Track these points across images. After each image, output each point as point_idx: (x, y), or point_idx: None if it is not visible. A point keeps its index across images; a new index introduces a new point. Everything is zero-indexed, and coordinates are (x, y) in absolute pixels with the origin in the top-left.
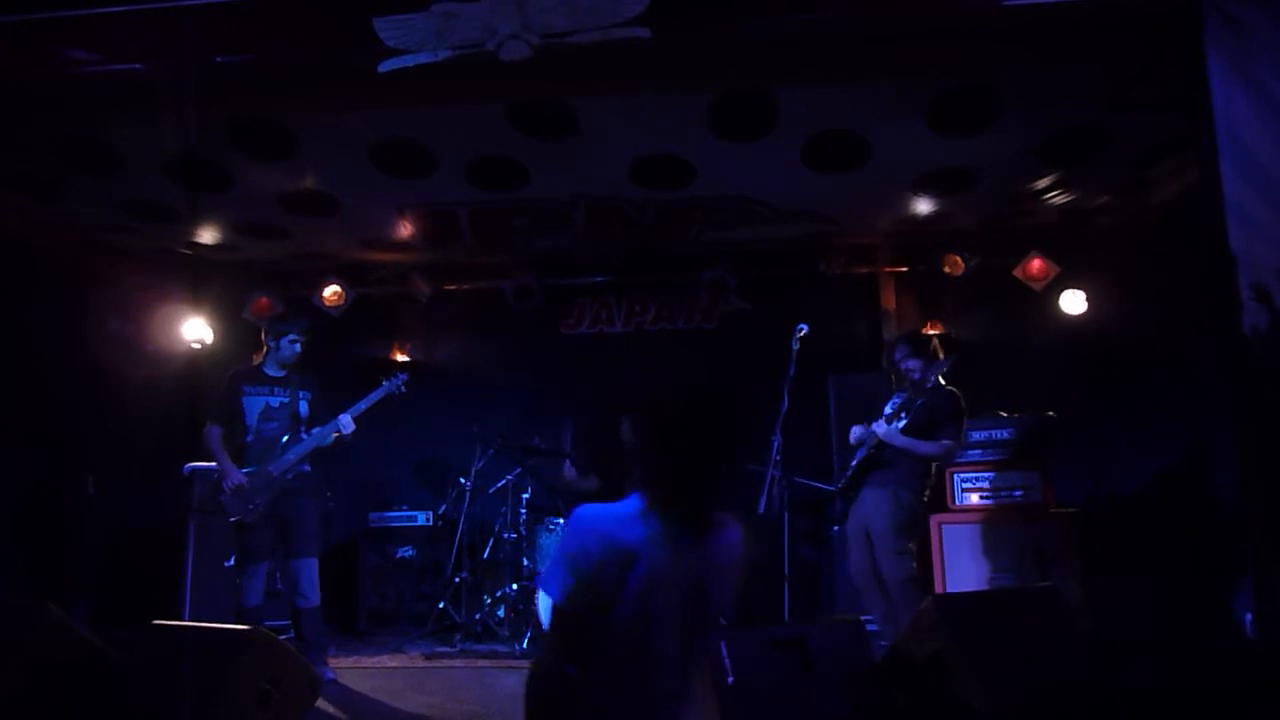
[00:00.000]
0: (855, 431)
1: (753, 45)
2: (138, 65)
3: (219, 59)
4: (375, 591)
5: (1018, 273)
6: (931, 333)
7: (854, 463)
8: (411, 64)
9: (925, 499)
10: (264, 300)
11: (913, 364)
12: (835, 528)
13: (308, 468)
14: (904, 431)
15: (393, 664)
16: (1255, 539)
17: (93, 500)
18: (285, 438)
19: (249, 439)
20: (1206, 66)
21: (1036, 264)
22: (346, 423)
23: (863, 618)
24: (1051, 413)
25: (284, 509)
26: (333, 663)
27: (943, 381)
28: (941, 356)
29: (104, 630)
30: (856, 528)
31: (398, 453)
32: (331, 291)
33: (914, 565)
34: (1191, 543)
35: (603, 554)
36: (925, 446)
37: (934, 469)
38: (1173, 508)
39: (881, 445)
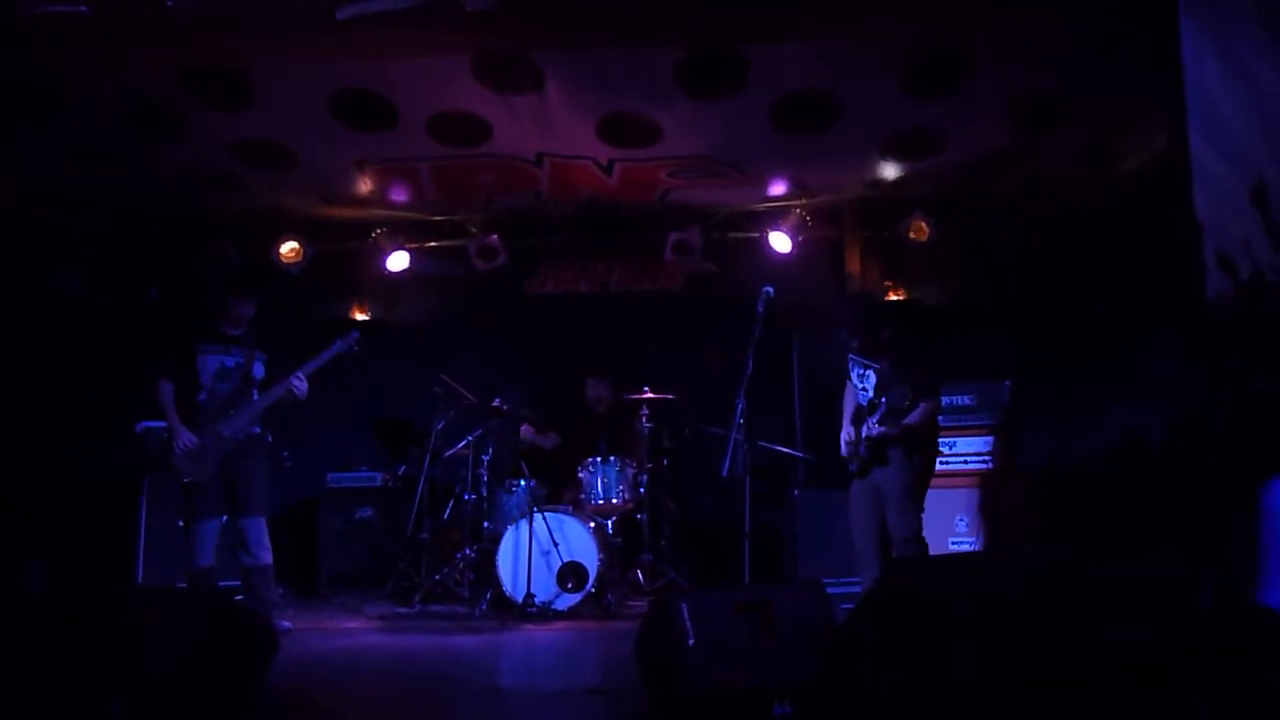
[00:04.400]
0: (847, 437)
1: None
2: (83, 8)
3: (169, 1)
4: (336, 553)
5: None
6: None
7: (862, 451)
8: (371, 11)
9: (937, 449)
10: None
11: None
12: (795, 491)
13: (257, 429)
14: (891, 417)
15: (351, 625)
16: (1214, 504)
17: (37, 460)
18: (239, 398)
19: (202, 398)
20: (1179, 31)
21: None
22: (300, 382)
23: (824, 579)
24: (1013, 378)
25: (234, 469)
26: (292, 624)
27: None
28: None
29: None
30: (864, 489)
31: (357, 413)
32: (289, 248)
33: (920, 524)
34: (1153, 508)
35: None
36: (915, 418)
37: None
38: (1135, 474)
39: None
